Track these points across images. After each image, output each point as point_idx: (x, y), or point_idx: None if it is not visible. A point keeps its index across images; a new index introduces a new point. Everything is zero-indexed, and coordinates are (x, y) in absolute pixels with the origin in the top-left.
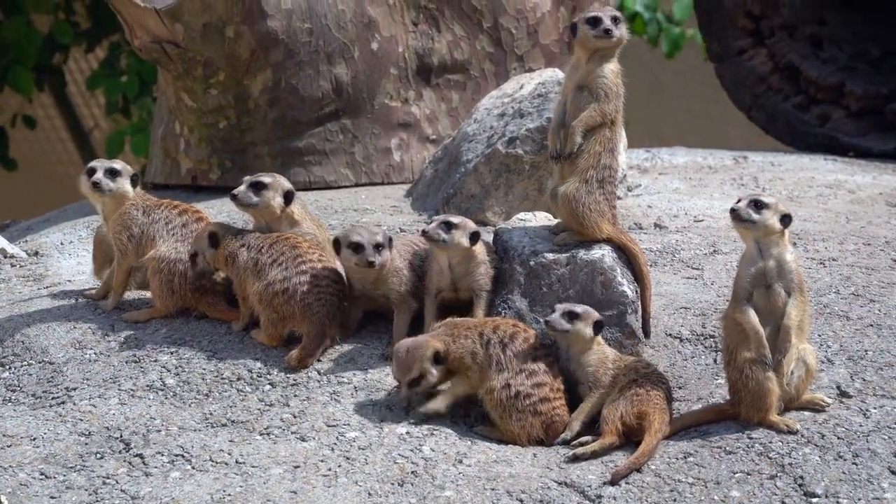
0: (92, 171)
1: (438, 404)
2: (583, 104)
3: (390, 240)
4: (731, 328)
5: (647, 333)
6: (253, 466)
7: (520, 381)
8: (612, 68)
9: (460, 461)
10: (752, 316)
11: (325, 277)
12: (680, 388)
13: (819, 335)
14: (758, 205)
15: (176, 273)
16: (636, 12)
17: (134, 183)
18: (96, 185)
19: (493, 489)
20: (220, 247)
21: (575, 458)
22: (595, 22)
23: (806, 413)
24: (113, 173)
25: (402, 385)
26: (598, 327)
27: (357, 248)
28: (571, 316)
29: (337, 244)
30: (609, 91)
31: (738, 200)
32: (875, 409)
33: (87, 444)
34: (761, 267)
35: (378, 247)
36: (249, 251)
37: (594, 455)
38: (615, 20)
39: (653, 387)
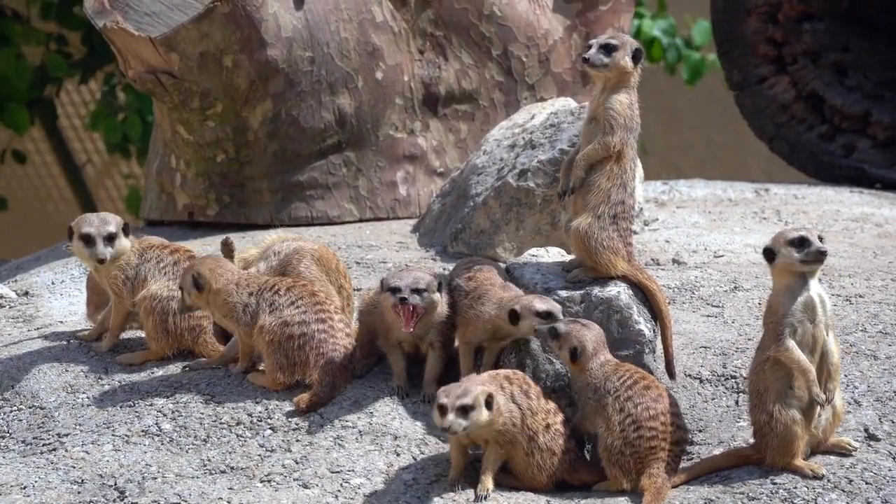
0: (90, 242)
1: (489, 483)
2: (592, 136)
3: (440, 284)
4: (768, 370)
5: (671, 375)
6: None
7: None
8: (621, 99)
9: None
10: (800, 353)
11: (341, 330)
12: (700, 430)
13: (846, 375)
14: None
15: (169, 312)
16: (654, 38)
17: (126, 232)
18: (102, 262)
19: None
20: (205, 292)
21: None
22: (586, 49)
23: (832, 457)
24: (111, 238)
25: (450, 410)
26: None
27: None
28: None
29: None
30: (614, 122)
31: (805, 243)
32: None
33: (79, 492)
34: (810, 299)
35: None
36: (262, 295)
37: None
38: (605, 48)
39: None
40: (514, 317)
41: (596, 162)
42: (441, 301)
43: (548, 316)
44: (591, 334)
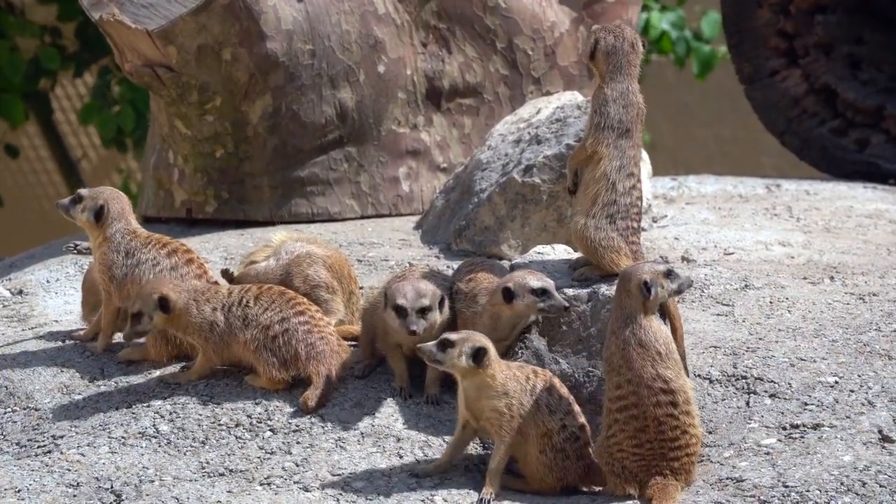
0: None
1: (493, 487)
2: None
3: (442, 298)
4: None
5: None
6: None
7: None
8: (607, 93)
9: None
10: None
11: (321, 319)
12: (710, 432)
13: (859, 376)
14: None
15: None
16: (663, 31)
17: (98, 216)
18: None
19: None
20: (172, 314)
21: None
22: None
23: (846, 459)
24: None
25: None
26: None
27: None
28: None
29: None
30: (590, 120)
31: None
32: None
33: (75, 495)
34: None
35: (423, 311)
36: (231, 311)
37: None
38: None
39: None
40: (509, 294)
41: (580, 162)
42: (443, 313)
43: (543, 293)
44: None
